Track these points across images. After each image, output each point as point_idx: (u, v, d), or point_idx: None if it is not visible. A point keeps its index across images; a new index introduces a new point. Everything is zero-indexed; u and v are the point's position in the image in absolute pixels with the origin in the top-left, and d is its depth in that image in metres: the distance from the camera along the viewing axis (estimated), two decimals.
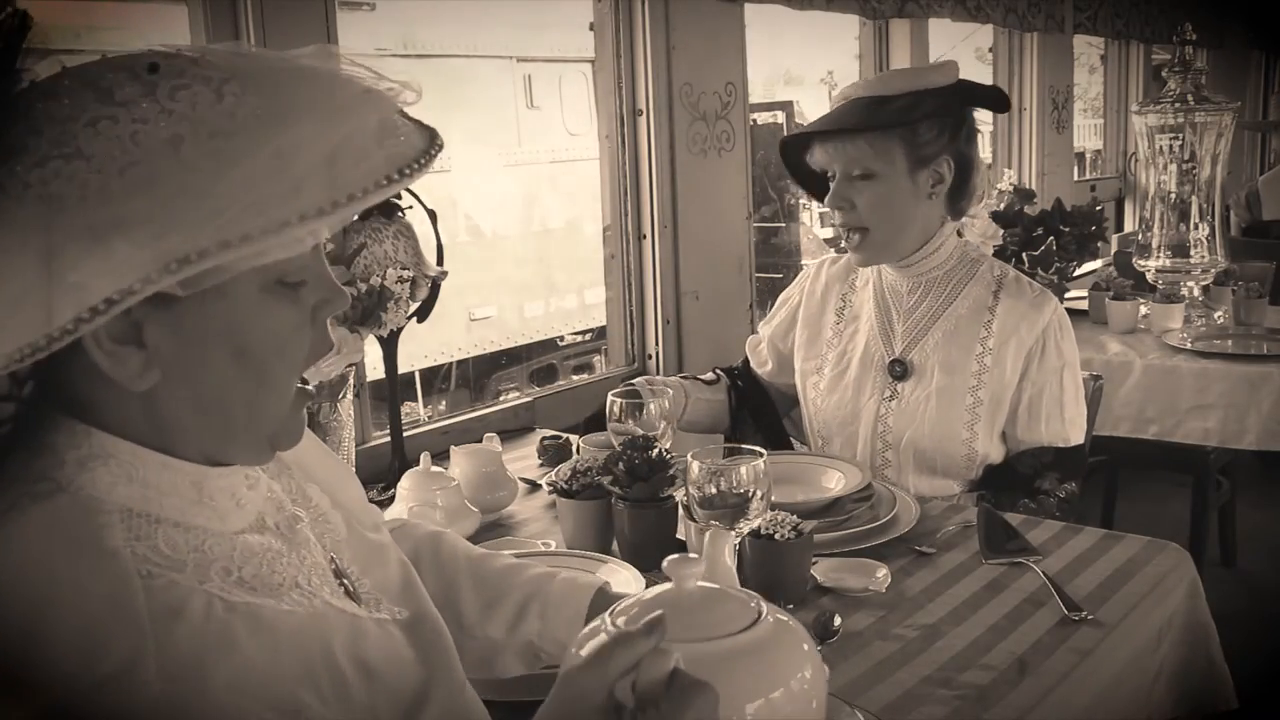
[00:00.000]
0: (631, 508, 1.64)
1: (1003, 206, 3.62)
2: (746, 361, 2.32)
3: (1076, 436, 2.02)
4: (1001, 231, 3.55)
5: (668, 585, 0.92)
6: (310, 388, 0.90)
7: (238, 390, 0.82)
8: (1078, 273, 3.81)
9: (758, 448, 1.43)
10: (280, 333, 0.82)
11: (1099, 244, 3.78)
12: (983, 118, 2.21)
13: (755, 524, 1.43)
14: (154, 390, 0.79)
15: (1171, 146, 3.57)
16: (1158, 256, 3.62)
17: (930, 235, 2.03)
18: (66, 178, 0.72)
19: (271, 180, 0.73)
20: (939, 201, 2.01)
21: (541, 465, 2.23)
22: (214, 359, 0.80)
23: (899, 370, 2.04)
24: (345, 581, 0.94)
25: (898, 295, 2.09)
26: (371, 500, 2.16)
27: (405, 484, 1.86)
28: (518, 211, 5.89)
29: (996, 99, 2.12)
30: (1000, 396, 1.98)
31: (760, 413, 2.27)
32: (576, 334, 6.37)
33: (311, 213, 0.73)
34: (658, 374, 2.98)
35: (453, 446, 1.95)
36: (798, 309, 2.23)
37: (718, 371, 2.28)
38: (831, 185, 2.02)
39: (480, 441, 2.05)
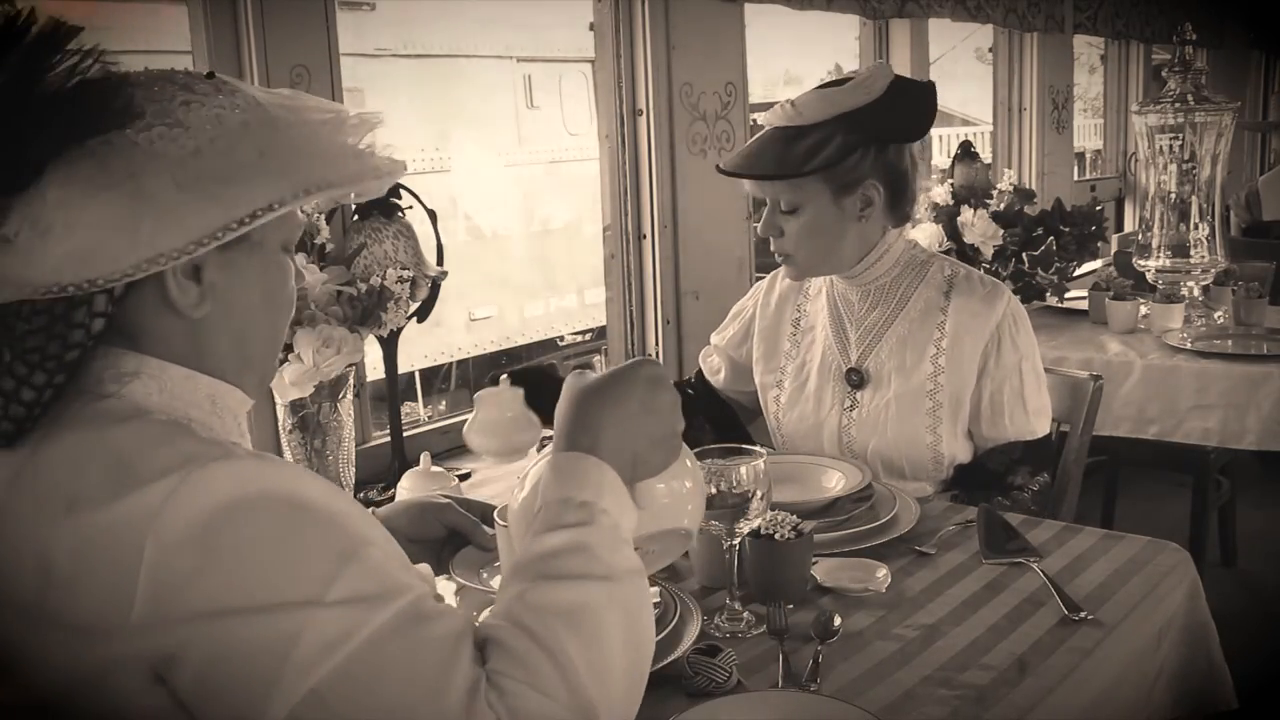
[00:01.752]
0: None
1: (1003, 206, 3.62)
2: (700, 373, 2.32)
3: (1042, 427, 2.01)
4: (1001, 231, 3.55)
5: None
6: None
7: (263, 325, 1.05)
8: (1078, 273, 3.81)
9: (758, 448, 1.43)
10: (288, 287, 1.07)
11: (1099, 244, 3.78)
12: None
13: (755, 524, 1.44)
14: (203, 320, 0.99)
15: (1171, 146, 3.57)
16: (1158, 256, 3.62)
17: (870, 248, 2.01)
18: (170, 140, 0.93)
19: (332, 153, 0.99)
20: (874, 219, 1.99)
21: None
22: (251, 296, 1.02)
23: (856, 379, 2.03)
24: None
25: (849, 304, 2.08)
26: (371, 500, 2.17)
27: (405, 484, 1.86)
28: (518, 211, 5.89)
29: (910, 127, 1.98)
30: (959, 396, 1.97)
31: (718, 420, 2.26)
32: (576, 334, 6.37)
33: (377, 173, 1.00)
34: None
35: (476, 394, 1.91)
36: (752, 321, 2.23)
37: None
38: (764, 212, 2.03)
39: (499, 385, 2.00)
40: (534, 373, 2.02)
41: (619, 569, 0.96)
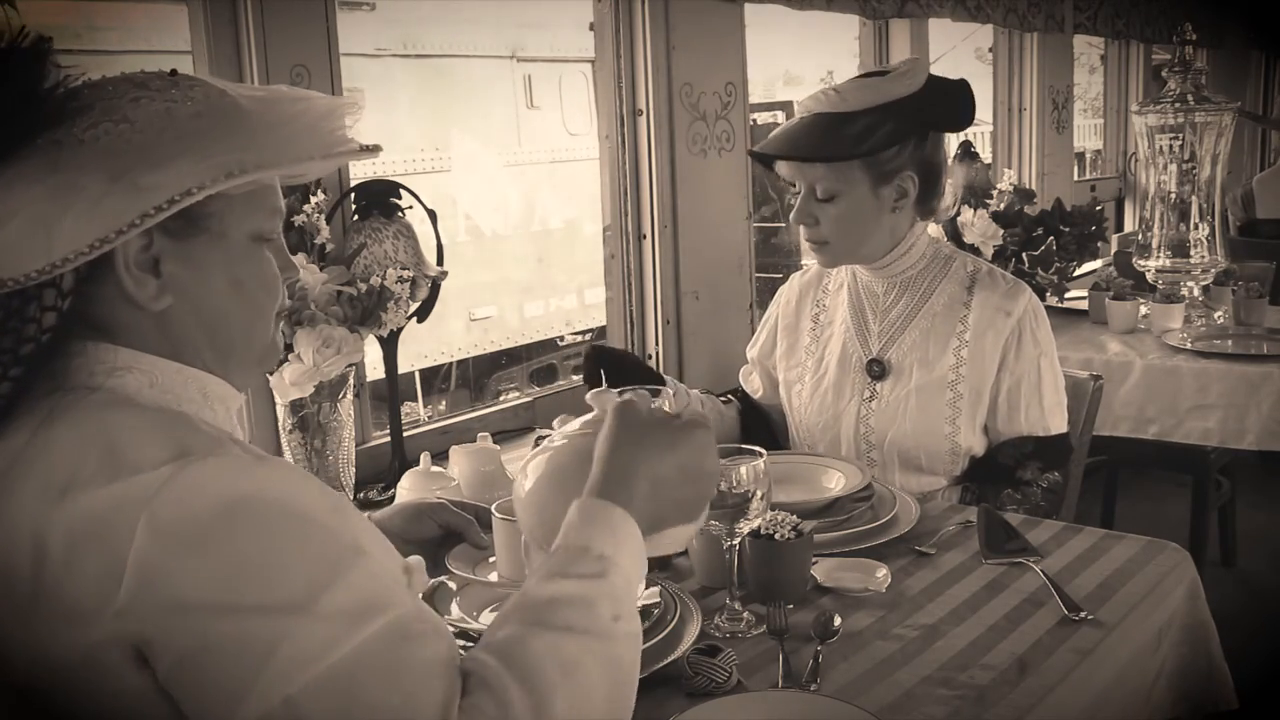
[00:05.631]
0: None
1: (1003, 206, 3.62)
2: (745, 393, 2.32)
3: (1057, 425, 2.03)
4: (1001, 231, 3.55)
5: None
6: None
7: (235, 314, 1.04)
8: (1078, 273, 3.81)
9: (757, 448, 1.43)
10: (262, 276, 1.05)
11: (1099, 244, 3.78)
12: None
13: (755, 524, 1.44)
14: (168, 311, 0.99)
15: (1171, 146, 3.57)
16: (1158, 256, 3.62)
17: (899, 239, 2.04)
18: (116, 135, 0.94)
19: (279, 135, 0.98)
20: (906, 210, 2.02)
21: None
22: (216, 287, 1.02)
23: (877, 370, 2.05)
24: None
25: (874, 296, 2.10)
26: (371, 500, 2.17)
27: (405, 484, 1.86)
28: (518, 211, 5.88)
29: (960, 113, 2.03)
30: (980, 388, 1.99)
31: (762, 440, 2.26)
32: (576, 334, 6.37)
33: (306, 156, 0.99)
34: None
35: (453, 446, 1.95)
36: (777, 323, 2.24)
37: (729, 395, 2.29)
38: (796, 200, 2.03)
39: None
40: (613, 355, 2.02)
41: (619, 631, 0.96)
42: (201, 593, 0.84)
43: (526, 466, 1.18)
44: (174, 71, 1.01)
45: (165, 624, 0.84)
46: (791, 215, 2.04)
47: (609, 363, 2.00)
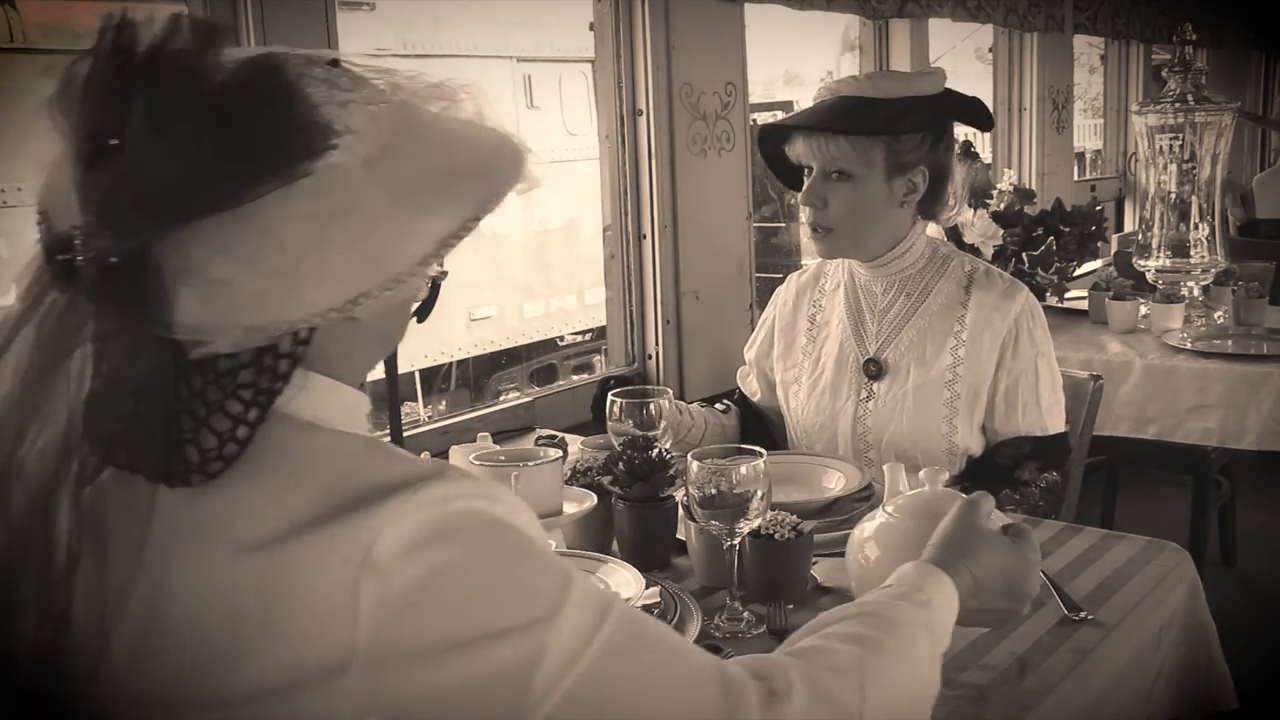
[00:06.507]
0: (631, 508, 1.64)
1: (1003, 206, 3.62)
2: (744, 396, 2.32)
3: (1055, 425, 2.03)
4: (1001, 231, 3.55)
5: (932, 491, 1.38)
6: None
7: (397, 338, 1.01)
8: (1078, 273, 3.82)
9: (758, 448, 1.43)
10: (404, 322, 1.00)
11: (1099, 244, 3.79)
12: None
13: (755, 524, 1.44)
14: (351, 334, 0.90)
15: (1171, 146, 3.57)
16: (1158, 256, 3.62)
17: (900, 237, 2.04)
18: (346, 149, 0.80)
19: (496, 159, 0.91)
20: (910, 208, 2.02)
21: None
22: (396, 312, 0.97)
23: (874, 370, 2.04)
24: None
25: (871, 295, 2.10)
26: None
27: None
28: (518, 211, 5.88)
29: (982, 117, 2.10)
30: (978, 388, 1.99)
31: (760, 443, 2.26)
32: (576, 334, 6.37)
33: (498, 194, 0.93)
34: (658, 374, 2.99)
35: (453, 446, 1.95)
36: (774, 325, 2.24)
37: (727, 403, 2.28)
38: (806, 180, 2.02)
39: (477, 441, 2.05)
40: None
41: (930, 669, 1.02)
42: (455, 631, 0.79)
43: (864, 545, 1.33)
44: (336, 62, 0.87)
45: (421, 674, 0.79)
46: (801, 196, 2.03)
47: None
